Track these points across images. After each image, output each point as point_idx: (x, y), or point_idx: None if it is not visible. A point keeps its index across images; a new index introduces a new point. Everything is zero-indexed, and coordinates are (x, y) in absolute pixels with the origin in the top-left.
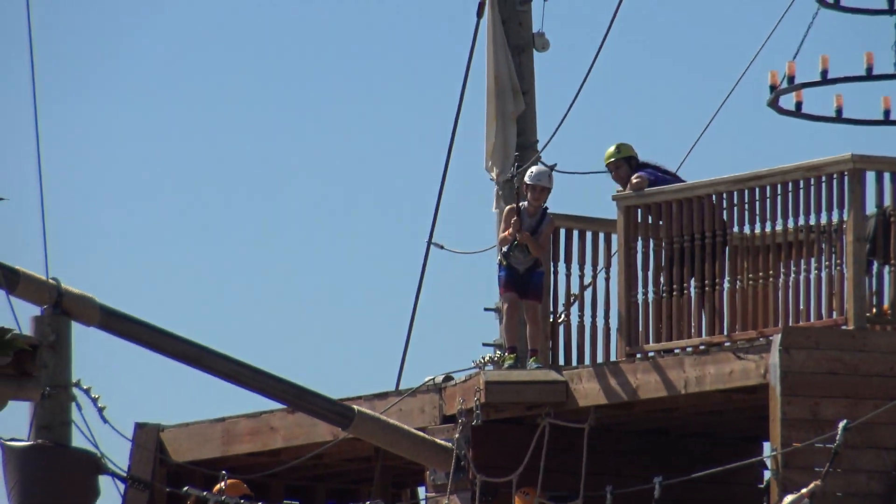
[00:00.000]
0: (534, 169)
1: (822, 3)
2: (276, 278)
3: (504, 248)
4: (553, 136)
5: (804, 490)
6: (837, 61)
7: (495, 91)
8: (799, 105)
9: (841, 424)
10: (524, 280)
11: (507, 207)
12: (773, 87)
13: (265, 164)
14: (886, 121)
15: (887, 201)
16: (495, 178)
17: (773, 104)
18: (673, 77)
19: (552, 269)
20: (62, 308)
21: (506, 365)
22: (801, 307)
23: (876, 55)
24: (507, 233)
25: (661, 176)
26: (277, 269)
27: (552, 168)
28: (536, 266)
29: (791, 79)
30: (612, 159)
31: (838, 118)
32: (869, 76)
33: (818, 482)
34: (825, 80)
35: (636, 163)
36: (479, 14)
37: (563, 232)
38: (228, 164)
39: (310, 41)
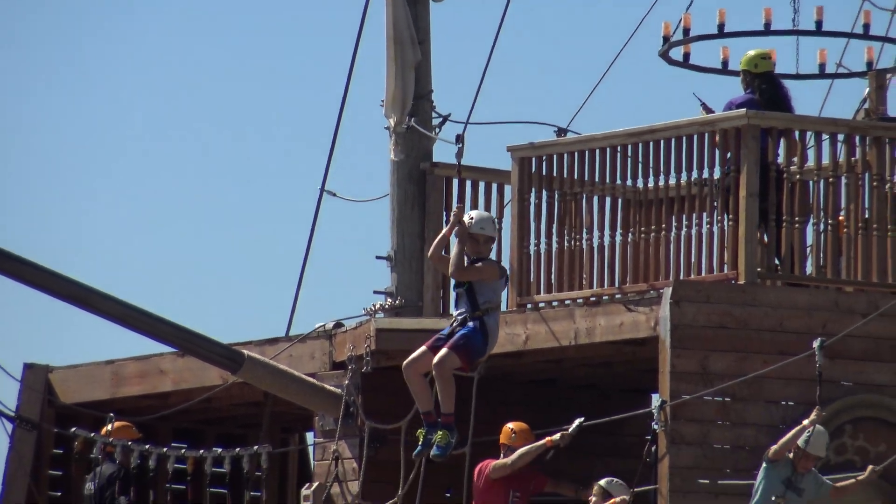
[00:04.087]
0: (474, 214)
1: None
2: (166, 221)
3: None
4: (477, 95)
5: (805, 422)
6: (735, 16)
7: (394, 38)
8: (686, 56)
9: (816, 343)
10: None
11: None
12: (666, 39)
13: (154, 104)
14: None
15: (780, 158)
16: (393, 126)
17: (665, 55)
18: (569, 28)
19: (444, 218)
20: None
21: (418, 450)
22: (693, 261)
23: (774, 11)
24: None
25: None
26: (167, 212)
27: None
28: (470, 320)
29: (686, 31)
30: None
31: (724, 70)
32: (767, 31)
33: (818, 409)
34: (721, 34)
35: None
36: None
37: (455, 182)
38: (116, 106)
39: None
